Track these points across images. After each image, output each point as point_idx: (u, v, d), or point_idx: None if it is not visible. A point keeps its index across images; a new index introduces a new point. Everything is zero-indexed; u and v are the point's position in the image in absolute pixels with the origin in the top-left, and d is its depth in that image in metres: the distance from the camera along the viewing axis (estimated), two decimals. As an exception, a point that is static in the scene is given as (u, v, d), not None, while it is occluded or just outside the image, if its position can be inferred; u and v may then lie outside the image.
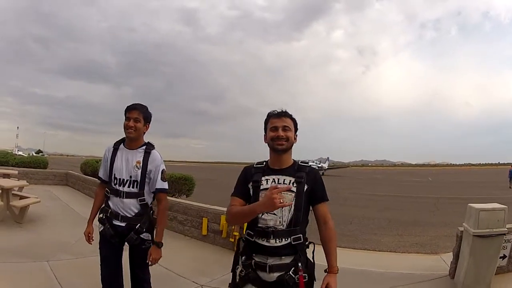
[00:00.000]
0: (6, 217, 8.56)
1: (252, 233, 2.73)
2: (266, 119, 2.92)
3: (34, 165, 19.65)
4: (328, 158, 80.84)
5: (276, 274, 2.60)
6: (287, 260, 2.63)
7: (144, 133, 3.68)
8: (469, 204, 5.33)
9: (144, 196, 3.60)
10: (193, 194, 12.81)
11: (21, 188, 10.48)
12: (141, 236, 3.57)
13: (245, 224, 2.88)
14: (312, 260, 2.77)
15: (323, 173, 66.04)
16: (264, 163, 2.91)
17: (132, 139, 3.60)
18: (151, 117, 3.71)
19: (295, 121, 2.91)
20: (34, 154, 49.53)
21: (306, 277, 2.63)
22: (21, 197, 9.51)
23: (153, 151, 3.66)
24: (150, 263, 3.60)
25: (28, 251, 6.21)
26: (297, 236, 2.66)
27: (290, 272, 2.59)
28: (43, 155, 60.50)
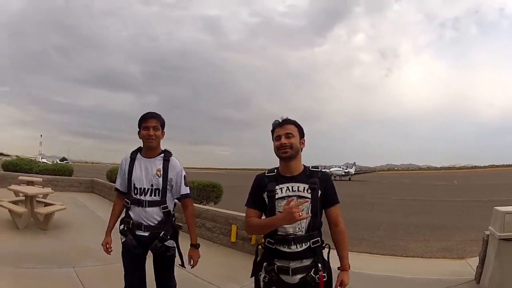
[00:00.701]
0: (30, 224, 8.78)
1: (273, 241, 2.88)
2: (272, 130, 3.05)
3: (59, 173, 20.09)
4: (354, 163, 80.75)
5: (298, 276, 2.79)
6: (307, 262, 2.83)
7: (160, 140, 3.73)
8: (495, 207, 5.28)
9: (166, 203, 3.66)
10: (222, 201, 12.89)
11: (45, 195, 10.72)
12: (166, 243, 3.62)
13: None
14: (328, 261, 2.94)
15: (350, 178, 65.56)
16: (275, 170, 3.02)
17: (152, 147, 3.65)
18: (165, 124, 3.76)
19: (299, 126, 3.02)
20: (58, 162, 50.43)
21: (326, 277, 2.83)
22: (46, 204, 9.75)
23: (172, 158, 3.73)
24: (191, 265, 3.71)
25: (54, 257, 6.36)
26: (315, 239, 2.85)
27: (311, 273, 2.79)
28: (67, 162, 61.56)
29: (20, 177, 14.26)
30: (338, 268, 2.97)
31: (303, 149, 3.01)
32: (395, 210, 17.48)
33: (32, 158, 40.26)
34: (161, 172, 3.61)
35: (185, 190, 3.77)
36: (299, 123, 3.02)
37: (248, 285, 5.55)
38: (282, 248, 2.83)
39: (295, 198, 2.76)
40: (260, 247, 3.08)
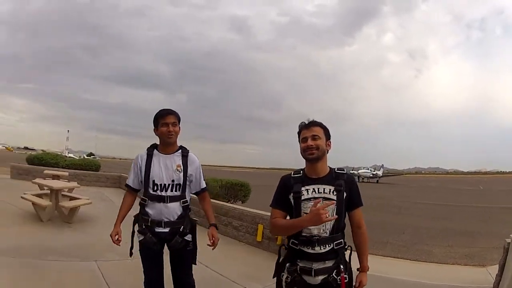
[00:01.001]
0: (54, 217, 8.95)
1: (297, 242, 2.93)
2: (298, 132, 3.11)
3: (86, 168, 20.45)
4: (382, 165, 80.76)
5: (320, 277, 2.86)
6: (330, 263, 2.89)
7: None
8: None
9: (186, 198, 3.74)
10: (250, 200, 12.91)
11: (71, 190, 10.86)
12: (185, 238, 3.67)
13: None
14: (349, 262, 3.02)
15: (377, 180, 65.63)
16: (301, 172, 3.08)
17: (171, 143, 3.72)
18: (180, 119, 3.80)
19: (325, 128, 3.06)
20: (85, 157, 51.28)
21: (347, 278, 2.89)
22: (71, 198, 9.93)
23: (190, 154, 3.82)
24: (212, 243, 3.74)
25: (77, 250, 6.46)
26: (339, 241, 2.92)
27: (333, 274, 2.86)
28: (94, 157, 62.51)
29: (46, 171, 14.55)
30: (358, 270, 3.05)
31: (329, 151, 3.06)
32: (421, 214, 17.80)
33: (59, 153, 40.90)
34: (182, 168, 3.68)
35: (204, 184, 3.96)
36: (325, 125, 3.08)
37: (271, 285, 5.52)
38: (306, 249, 2.89)
39: (321, 199, 2.81)
40: (283, 247, 3.13)
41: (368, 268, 3.05)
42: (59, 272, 5.40)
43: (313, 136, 2.95)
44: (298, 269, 2.90)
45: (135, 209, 3.80)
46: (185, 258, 3.74)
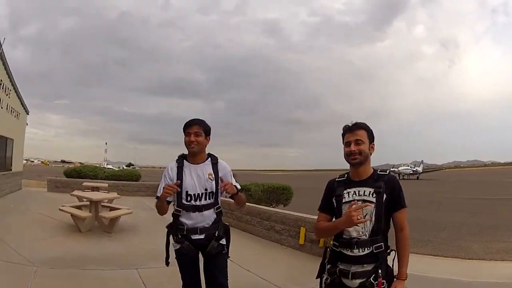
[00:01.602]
0: (94, 227, 9.24)
1: (338, 244, 3.00)
2: (342, 134, 3.13)
3: (126, 178, 20.84)
4: (422, 161, 79.33)
5: (358, 281, 2.86)
6: (368, 267, 2.88)
7: (206, 146, 3.82)
8: None
9: (219, 203, 3.84)
10: (292, 203, 12.96)
11: (111, 200, 11.18)
12: (220, 242, 3.75)
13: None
14: (391, 267, 2.98)
15: (418, 177, 64.86)
16: (346, 175, 3.15)
17: (195, 153, 3.74)
18: (210, 129, 3.85)
19: (369, 131, 3.07)
20: (125, 167, 52.13)
21: (385, 284, 2.86)
22: (112, 209, 10.16)
23: (220, 161, 3.88)
24: (223, 185, 3.66)
25: (117, 259, 6.67)
26: (378, 245, 2.90)
27: (371, 279, 2.84)
28: (134, 168, 63.49)
29: (85, 183, 15.00)
30: (395, 277, 2.99)
31: (372, 153, 3.07)
32: (460, 209, 17.69)
33: (97, 165, 41.75)
34: (213, 176, 3.76)
35: (237, 185, 3.88)
36: (369, 126, 3.09)
37: (313, 288, 5.59)
38: (345, 252, 2.94)
39: (360, 202, 2.88)
40: (328, 249, 3.16)
41: (407, 276, 2.96)
42: (100, 280, 5.60)
43: (356, 140, 2.97)
44: (337, 271, 2.94)
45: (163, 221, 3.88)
46: (220, 261, 3.81)
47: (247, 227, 9.68)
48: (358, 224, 2.80)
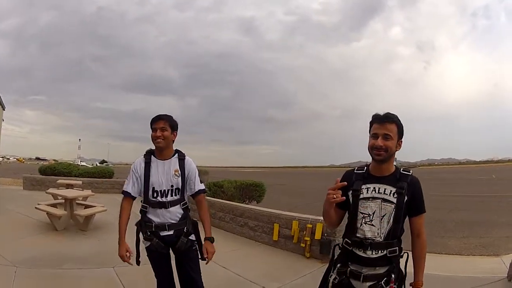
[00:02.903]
0: (69, 225, 9.17)
1: (350, 242, 2.83)
2: (370, 122, 2.88)
3: (100, 175, 20.59)
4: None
5: (368, 283, 2.74)
6: (381, 270, 2.75)
7: (173, 141, 3.83)
8: None
9: (185, 200, 3.85)
10: (265, 199, 13.02)
11: (85, 198, 11.09)
12: (190, 238, 3.78)
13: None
14: (404, 271, 2.87)
15: None
16: (365, 168, 2.95)
17: (162, 148, 3.76)
18: (177, 125, 3.86)
19: (400, 126, 2.83)
20: (98, 164, 51.56)
21: None
22: (86, 206, 10.12)
23: (186, 158, 3.90)
24: (207, 259, 3.78)
25: (94, 258, 6.64)
26: (393, 248, 2.75)
27: (382, 282, 2.72)
28: (107, 165, 62.88)
29: (59, 181, 14.90)
30: (410, 285, 2.88)
31: (398, 150, 2.87)
32: (435, 206, 17.35)
33: (71, 162, 41.22)
34: (179, 172, 3.78)
35: (200, 186, 3.95)
36: (400, 121, 2.84)
37: (289, 284, 5.67)
38: (357, 252, 2.79)
39: (379, 200, 2.77)
40: (338, 247, 3.03)
41: (423, 283, 2.85)
42: (76, 279, 5.59)
43: (385, 135, 2.75)
44: (347, 272, 2.80)
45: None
46: (191, 257, 3.82)
47: (220, 223, 9.73)
48: (374, 223, 2.74)
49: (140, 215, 3.80)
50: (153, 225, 3.69)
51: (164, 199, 3.71)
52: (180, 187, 3.77)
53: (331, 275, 2.90)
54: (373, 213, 2.76)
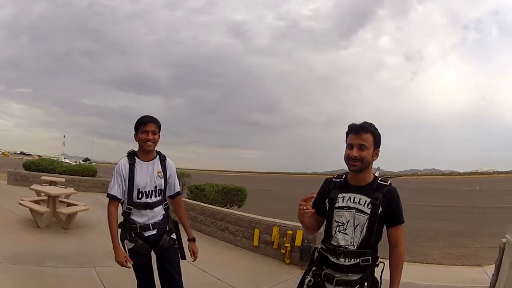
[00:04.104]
0: (52, 223, 9.10)
1: (325, 248, 2.90)
2: (346, 132, 2.88)
3: (83, 173, 20.43)
4: (378, 168, 79.48)
5: None
6: (354, 277, 2.77)
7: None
8: None
9: (166, 200, 3.94)
10: (247, 204, 13.06)
11: (68, 196, 11.01)
12: (171, 236, 3.86)
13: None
14: (378, 279, 2.88)
15: None
16: (344, 176, 2.97)
17: (150, 151, 3.81)
18: (161, 127, 3.91)
19: (377, 135, 2.83)
20: (82, 162, 51.21)
21: None
22: (69, 204, 10.05)
23: (167, 159, 3.97)
24: (193, 258, 3.97)
25: (75, 257, 6.60)
26: (366, 258, 2.77)
27: None
28: (90, 163, 62.44)
29: (43, 177, 14.77)
30: None
31: (375, 160, 2.85)
32: (417, 215, 17.76)
33: (54, 158, 40.82)
34: (162, 174, 3.85)
35: (179, 187, 4.11)
36: (377, 130, 2.83)
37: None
38: (331, 258, 2.83)
39: (353, 210, 2.79)
40: (317, 250, 3.06)
41: None
42: (58, 278, 5.55)
43: (360, 145, 2.74)
44: (322, 275, 2.85)
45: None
46: (171, 257, 3.87)
47: (201, 227, 9.76)
48: (347, 232, 2.77)
49: (122, 217, 3.79)
50: (138, 226, 3.70)
51: (149, 199, 3.75)
52: (162, 188, 3.84)
53: (307, 277, 2.94)
54: (347, 222, 2.79)
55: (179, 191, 4.08)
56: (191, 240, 4.02)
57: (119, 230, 3.74)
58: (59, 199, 9.69)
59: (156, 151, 3.92)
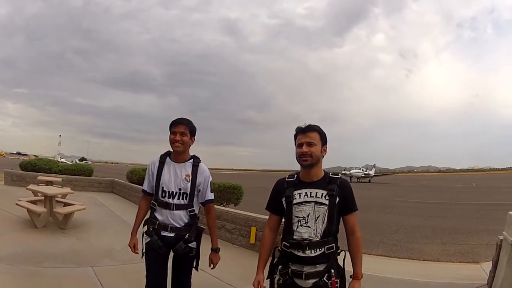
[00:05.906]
0: (49, 223, 9.03)
1: (288, 245, 3.00)
2: (294, 135, 3.11)
3: (79, 173, 20.34)
4: (374, 165, 79.97)
5: (311, 281, 2.90)
6: (321, 267, 2.92)
7: (190, 146, 3.85)
8: (510, 211, 5.24)
9: (193, 207, 3.80)
10: (243, 202, 13.02)
11: (64, 195, 10.94)
12: (189, 245, 3.76)
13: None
14: (342, 266, 3.02)
15: (369, 180, 65.51)
16: (296, 175, 3.13)
17: (179, 152, 3.77)
18: (196, 130, 3.89)
19: (322, 134, 3.06)
20: (78, 162, 51.04)
21: (338, 282, 2.92)
22: (65, 204, 9.98)
23: (201, 164, 3.87)
24: (212, 267, 3.96)
25: (73, 256, 6.54)
26: (330, 245, 2.93)
27: (324, 278, 2.88)
28: (86, 162, 62.25)
29: (39, 177, 14.67)
30: (350, 277, 3.01)
31: (324, 156, 3.06)
32: (413, 212, 17.86)
33: (51, 158, 40.69)
34: (190, 177, 3.77)
35: (210, 195, 3.94)
36: (322, 129, 3.07)
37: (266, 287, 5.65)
38: (296, 253, 2.94)
39: (312, 203, 2.93)
40: (277, 249, 3.15)
41: (362, 275, 3.00)
42: (56, 278, 5.49)
43: (308, 142, 2.96)
44: (289, 272, 2.95)
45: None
46: (186, 262, 3.84)
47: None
48: (309, 225, 2.90)
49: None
50: (157, 222, 3.72)
51: (170, 200, 3.73)
52: (188, 192, 3.76)
53: (275, 276, 3.09)
54: (308, 216, 2.93)
55: (210, 199, 3.95)
56: (214, 250, 3.97)
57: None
58: (56, 199, 9.59)
59: (193, 155, 3.90)
